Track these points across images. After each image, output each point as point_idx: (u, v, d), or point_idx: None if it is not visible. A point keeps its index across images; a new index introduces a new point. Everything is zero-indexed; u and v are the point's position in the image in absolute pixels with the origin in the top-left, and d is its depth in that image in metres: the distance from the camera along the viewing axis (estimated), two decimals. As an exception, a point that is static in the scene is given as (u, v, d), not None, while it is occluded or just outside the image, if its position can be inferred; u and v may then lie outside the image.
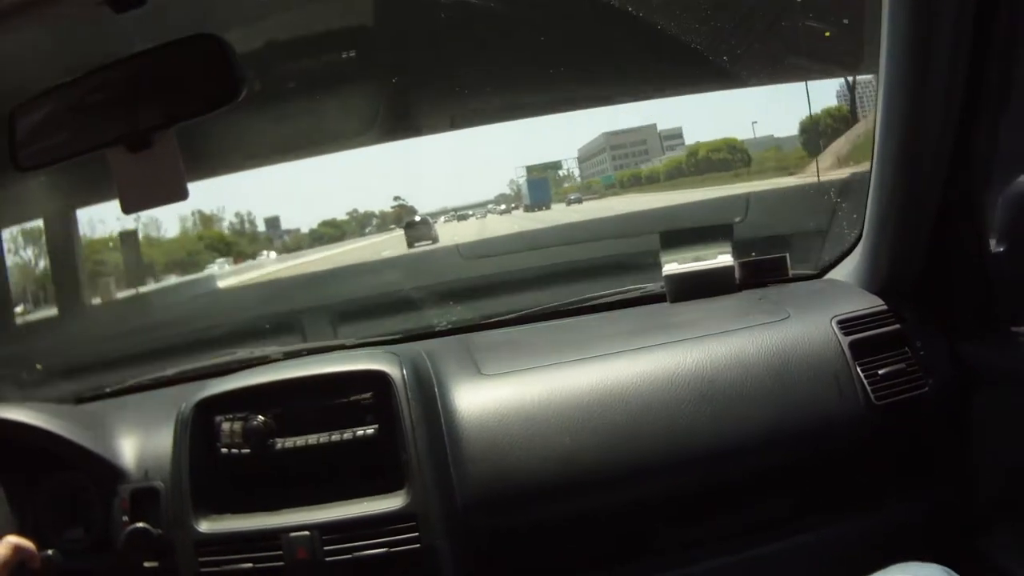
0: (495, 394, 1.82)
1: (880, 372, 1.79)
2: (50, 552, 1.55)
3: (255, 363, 2.18)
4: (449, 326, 2.38)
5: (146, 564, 1.74)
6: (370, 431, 1.73)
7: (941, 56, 1.64)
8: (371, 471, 1.71)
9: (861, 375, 1.78)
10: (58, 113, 1.31)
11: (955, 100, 1.66)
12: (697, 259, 2.22)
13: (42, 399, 2.15)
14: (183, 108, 1.25)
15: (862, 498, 1.86)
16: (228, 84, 1.22)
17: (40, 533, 1.78)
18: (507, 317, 2.36)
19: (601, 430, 1.73)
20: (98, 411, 2.10)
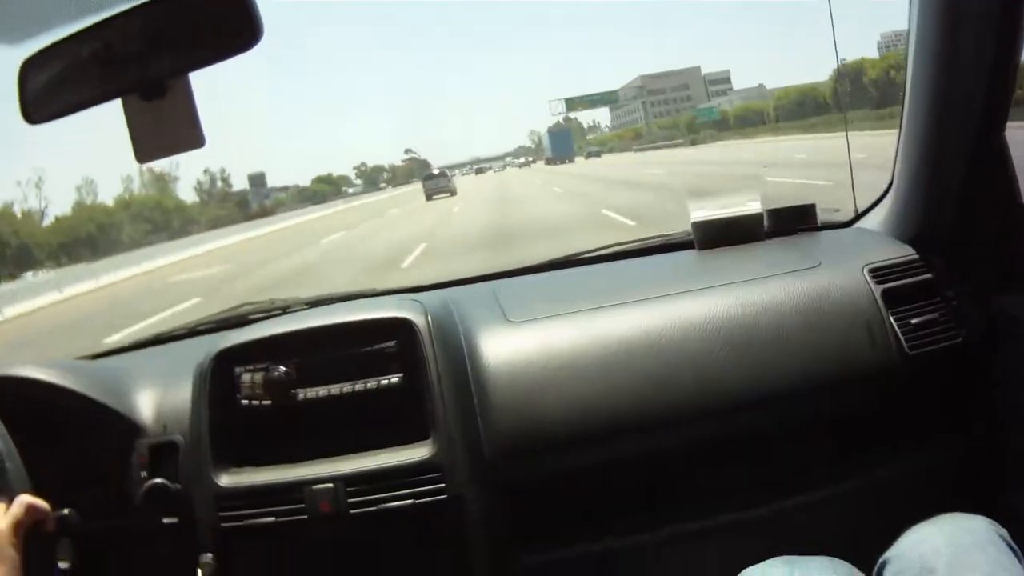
0: (522, 341, 1.79)
1: (913, 321, 1.76)
2: (66, 511, 1.52)
3: (276, 312, 2.16)
4: (475, 274, 2.35)
5: (165, 520, 1.72)
6: (395, 380, 1.69)
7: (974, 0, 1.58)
8: (396, 421, 1.69)
9: (894, 324, 1.75)
10: (70, 64, 1.27)
11: (989, 46, 1.60)
12: (725, 206, 2.18)
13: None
14: (199, 54, 1.21)
15: (894, 449, 1.84)
16: (246, 28, 1.18)
17: (58, 493, 1.77)
18: (534, 264, 2.34)
19: (631, 377, 1.71)
20: (116, 366, 2.08)
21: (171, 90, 1.23)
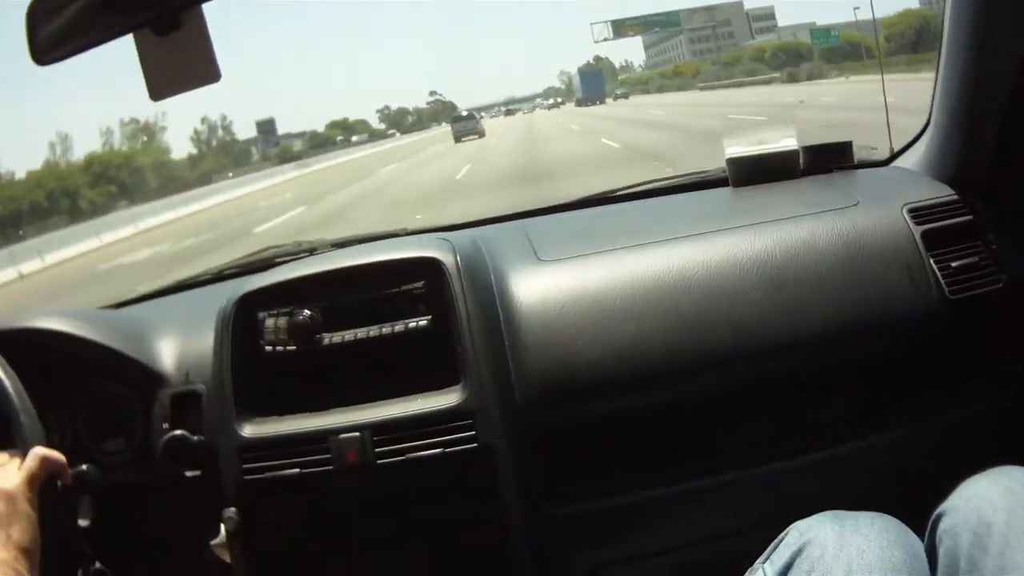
0: (554, 280, 1.75)
1: (953, 265, 1.70)
2: (84, 467, 1.50)
3: (302, 255, 2.13)
4: (504, 212, 2.32)
5: (187, 473, 1.71)
6: (423, 323, 1.66)
7: None
8: (425, 366, 1.65)
9: (935, 267, 1.70)
10: (78, 2, 1.24)
11: None
12: (760, 142, 2.13)
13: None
14: None
15: (933, 397, 1.79)
16: None
17: (76, 447, 1.76)
18: (565, 202, 2.30)
19: (667, 318, 1.67)
20: (138, 315, 2.07)
21: (185, 23, 1.19)
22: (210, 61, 1.20)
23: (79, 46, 1.24)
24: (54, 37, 1.25)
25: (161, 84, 1.22)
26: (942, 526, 1.16)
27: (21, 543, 1.21)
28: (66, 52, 1.25)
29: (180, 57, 1.20)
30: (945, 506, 1.18)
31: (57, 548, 1.31)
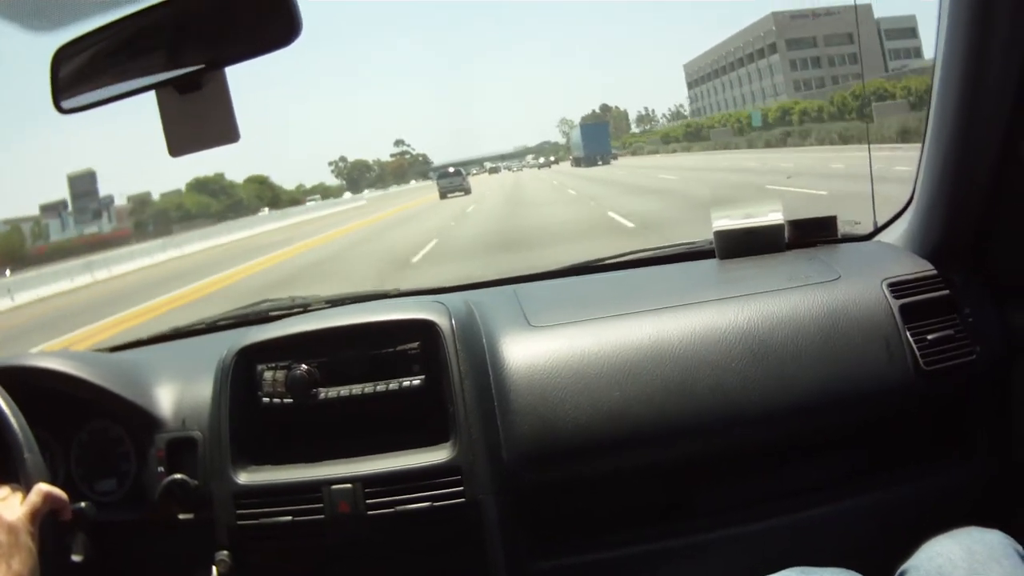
0: (544, 346, 1.79)
1: (929, 337, 1.76)
2: (83, 504, 1.53)
3: (297, 311, 2.18)
4: (497, 277, 2.36)
5: (181, 516, 1.74)
6: (416, 382, 1.70)
7: (1004, 8, 1.57)
8: (417, 423, 1.70)
9: (911, 340, 1.75)
10: (102, 55, 1.29)
11: (1015, 64, 1.60)
12: (747, 216, 2.19)
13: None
14: (237, 49, 1.22)
15: (907, 464, 1.84)
16: (284, 23, 1.18)
17: (73, 484, 1.80)
18: (556, 269, 2.35)
19: (651, 385, 1.71)
20: (135, 359, 2.10)
21: (207, 84, 1.24)
22: (230, 122, 1.25)
23: (101, 99, 1.29)
24: (77, 88, 1.30)
25: (181, 141, 1.27)
26: None
27: (20, 574, 1.26)
28: (88, 103, 1.30)
29: (201, 116, 1.25)
30: (908, 564, 1.23)
31: None
